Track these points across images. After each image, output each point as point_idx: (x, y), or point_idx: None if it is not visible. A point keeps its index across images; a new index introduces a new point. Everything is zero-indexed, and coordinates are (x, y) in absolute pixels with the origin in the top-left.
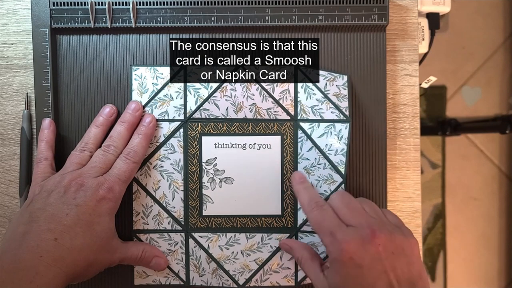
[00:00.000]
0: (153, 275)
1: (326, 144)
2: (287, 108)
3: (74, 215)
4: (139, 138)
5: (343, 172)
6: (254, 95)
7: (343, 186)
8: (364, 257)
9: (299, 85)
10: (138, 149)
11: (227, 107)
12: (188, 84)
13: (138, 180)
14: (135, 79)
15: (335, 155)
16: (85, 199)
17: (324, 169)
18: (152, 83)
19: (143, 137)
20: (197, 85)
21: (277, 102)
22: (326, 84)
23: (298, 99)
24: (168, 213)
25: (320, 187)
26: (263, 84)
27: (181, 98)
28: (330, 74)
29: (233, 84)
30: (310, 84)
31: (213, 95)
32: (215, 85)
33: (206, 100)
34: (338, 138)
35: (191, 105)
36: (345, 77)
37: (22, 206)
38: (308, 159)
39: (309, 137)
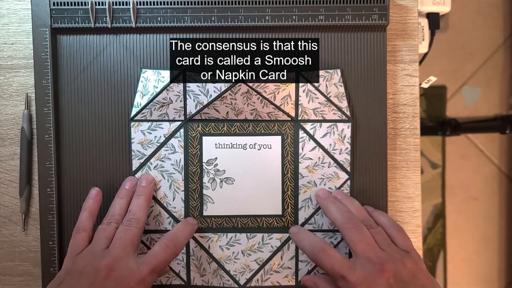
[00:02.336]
0: None
1: (330, 144)
2: (288, 112)
3: None
4: (181, 225)
5: (349, 170)
6: (255, 103)
7: (349, 182)
8: None
9: (301, 89)
10: (180, 238)
11: (227, 112)
12: (187, 89)
13: None
14: (141, 81)
15: (340, 154)
16: None
17: (329, 167)
18: (153, 85)
19: (183, 223)
20: (196, 91)
21: (278, 107)
22: (326, 86)
23: (300, 102)
24: (169, 213)
25: (324, 185)
26: (264, 94)
27: (180, 101)
28: (326, 72)
29: (233, 94)
30: (312, 88)
31: (213, 103)
32: (214, 94)
33: (206, 106)
34: (342, 137)
35: (191, 108)
36: (339, 72)
37: (53, 282)
38: (311, 159)
39: (311, 137)
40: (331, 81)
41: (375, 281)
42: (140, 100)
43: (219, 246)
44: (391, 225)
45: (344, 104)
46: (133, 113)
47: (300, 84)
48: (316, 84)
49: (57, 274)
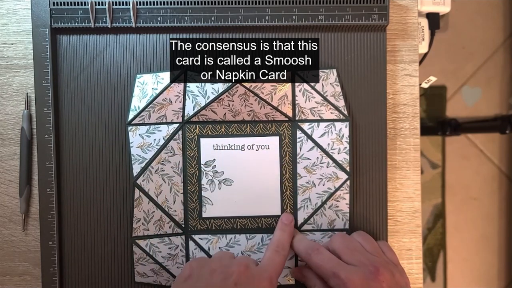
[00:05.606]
0: (153, 276)
1: (329, 144)
2: (285, 112)
3: None
4: (279, 230)
5: (348, 170)
6: (252, 104)
7: (348, 182)
8: None
9: (297, 88)
10: (283, 241)
11: (225, 113)
12: (187, 89)
13: (140, 186)
14: (137, 85)
15: (338, 153)
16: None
17: (327, 167)
18: (152, 88)
19: (280, 228)
20: (195, 91)
21: (275, 108)
22: (322, 85)
23: (296, 102)
24: (170, 217)
25: (323, 185)
26: (261, 95)
27: (180, 102)
28: (322, 72)
29: (230, 96)
30: (308, 88)
31: (211, 104)
32: (212, 96)
33: (203, 108)
34: (340, 137)
35: (189, 110)
36: (334, 71)
37: (178, 277)
38: (309, 159)
39: (309, 137)
40: (327, 80)
41: (368, 283)
42: (138, 104)
43: (219, 248)
44: (378, 241)
45: (341, 103)
46: (130, 116)
47: (296, 84)
48: (312, 83)
49: (181, 273)
